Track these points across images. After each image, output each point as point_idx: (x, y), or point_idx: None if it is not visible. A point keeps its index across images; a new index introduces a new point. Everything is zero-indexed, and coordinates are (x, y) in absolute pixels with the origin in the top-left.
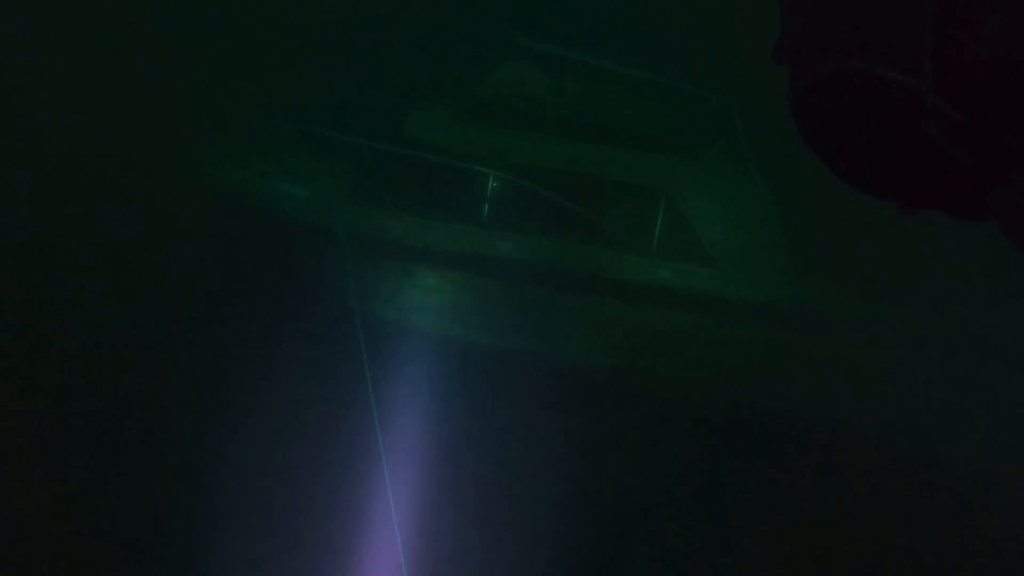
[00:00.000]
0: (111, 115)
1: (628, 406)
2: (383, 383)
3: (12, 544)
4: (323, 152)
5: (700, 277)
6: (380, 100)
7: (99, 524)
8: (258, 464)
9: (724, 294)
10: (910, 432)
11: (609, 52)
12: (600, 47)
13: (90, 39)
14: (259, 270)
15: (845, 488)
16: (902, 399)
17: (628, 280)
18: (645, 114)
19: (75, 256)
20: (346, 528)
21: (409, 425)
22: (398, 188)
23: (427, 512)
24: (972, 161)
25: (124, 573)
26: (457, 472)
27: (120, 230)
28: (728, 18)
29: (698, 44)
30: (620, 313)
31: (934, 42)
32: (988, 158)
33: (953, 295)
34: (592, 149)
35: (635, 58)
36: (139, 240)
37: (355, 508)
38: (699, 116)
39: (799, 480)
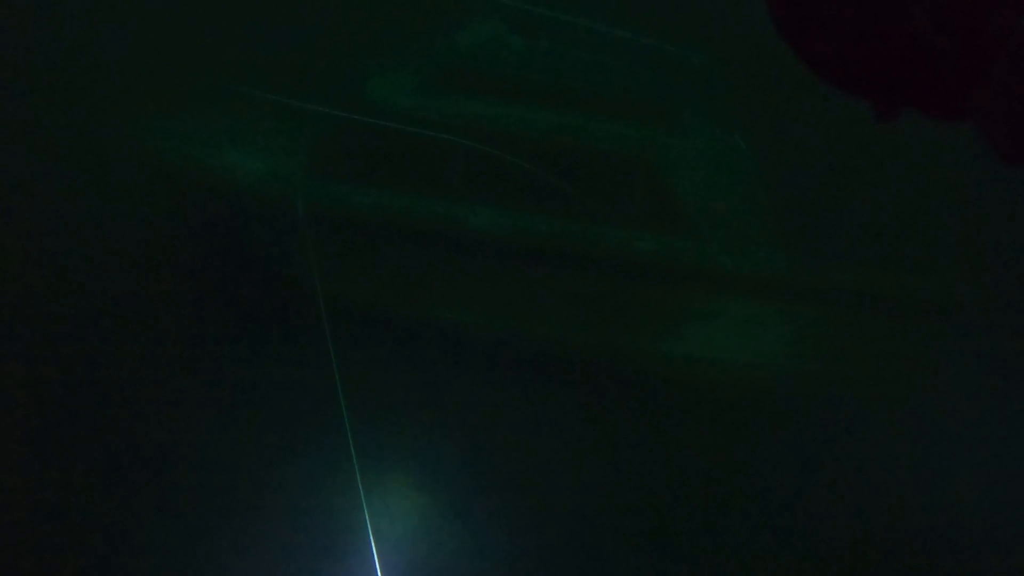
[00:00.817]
0: (48, 84)
1: (614, 388)
2: (350, 368)
3: None
4: (277, 120)
5: (682, 249)
6: (338, 63)
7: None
8: (213, 457)
9: (708, 266)
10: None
11: (586, 10)
12: (576, 4)
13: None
14: (212, 249)
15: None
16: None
17: (607, 253)
18: (624, 77)
19: (10, 239)
20: (313, 529)
21: (381, 413)
22: (360, 159)
23: (403, 508)
24: (956, 50)
25: None
26: (433, 464)
27: (60, 208)
28: None
29: (679, 3)
30: (600, 288)
31: None
32: (974, 48)
33: (944, 262)
34: (567, 115)
35: (613, 17)
36: (78, 218)
37: (323, 510)
38: (681, 79)
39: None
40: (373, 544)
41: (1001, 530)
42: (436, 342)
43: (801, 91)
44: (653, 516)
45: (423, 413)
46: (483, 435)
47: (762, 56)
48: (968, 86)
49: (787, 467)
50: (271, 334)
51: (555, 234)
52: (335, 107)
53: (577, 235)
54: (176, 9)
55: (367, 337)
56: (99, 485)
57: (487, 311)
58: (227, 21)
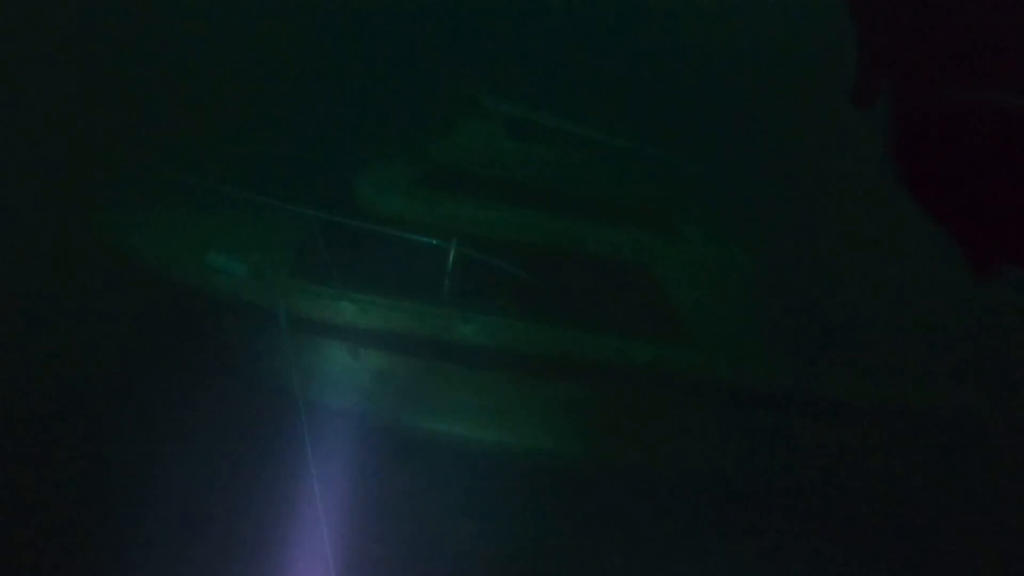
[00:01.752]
0: (17, 175)
1: (609, 501)
2: (329, 478)
3: None
4: (261, 222)
5: (678, 359)
6: (327, 163)
7: None
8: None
9: (704, 376)
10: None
11: (581, 117)
12: (572, 111)
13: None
14: (190, 354)
15: None
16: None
17: (602, 363)
18: (619, 184)
19: None
20: None
21: (358, 523)
22: (346, 263)
23: None
24: None
25: None
26: (411, 572)
27: (33, 309)
28: (706, 85)
29: (674, 111)
30: (593, 399)
31: None
32: None
33: (938, 372)
34: (562, 221)
35: (608, 124)
36: (52, 320)
37: None
38: (676, 186)
39: None
40: None
41: None
42: (423, 452)
43: (798, 202)
44: None
45: (403, 524)
46: (468, 547)
47: (760, 166)
48: None
49: None
50: (248, 442)
51: (549, 342)
52: (322, 208)
53: (571, 344)
54: (155, 100)
55: (347, 445)
56: None
57: (476, 421)
58: (207, 114)
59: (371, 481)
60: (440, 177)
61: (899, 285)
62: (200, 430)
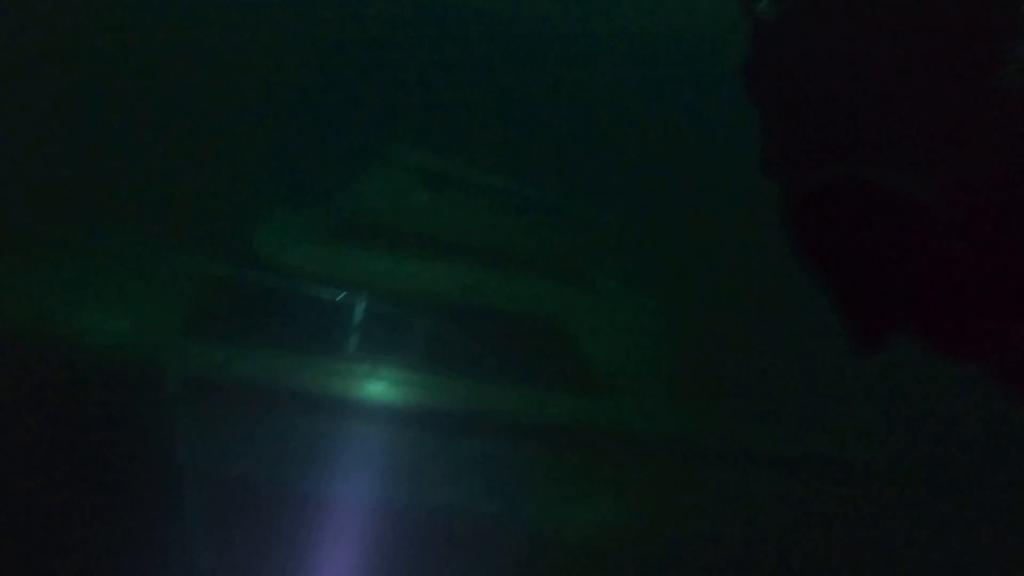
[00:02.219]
0: None
1: (524, 559)
2: (226, 552)
3: None
4: (149, 276)
5: (594, 412)
6: (226, 214)
7: None
8: None
9: (620, 428)
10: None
11: (493, 167)
12: (483, 161)
13: None
14: (65, 425)
15: None
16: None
17: (516, 418)
18: (530, 235)
19: None
20: None
21: None
22: (245, 319)
23: None
24: (980, 288)
25: None
26: None
27: None
28: (618, 135)
29: (586, 161)
30: (507, 455)
31: (953, 159)
32: (999, 284)
33: (854, 423)
34: (473, 274)
35: (520, 174)
36: None
37: None
38: (588, 237)
39: None
40: None
41: None
42: (330, 517)
43: (711, 249)
44: None
45: None
46: None
47: (672, 215)
48: (989, 329)
49: None
50: (132, 518)
51: (461, 399)
52: (216, 260)
53: (484, 399)
54: (29, 143)
55: (247, 517)
56: None
57: (387, 482)
58: (89, 158)
59: (274, 553)
60: (348, 228)
61: (811, 334)
62: (79, 506)
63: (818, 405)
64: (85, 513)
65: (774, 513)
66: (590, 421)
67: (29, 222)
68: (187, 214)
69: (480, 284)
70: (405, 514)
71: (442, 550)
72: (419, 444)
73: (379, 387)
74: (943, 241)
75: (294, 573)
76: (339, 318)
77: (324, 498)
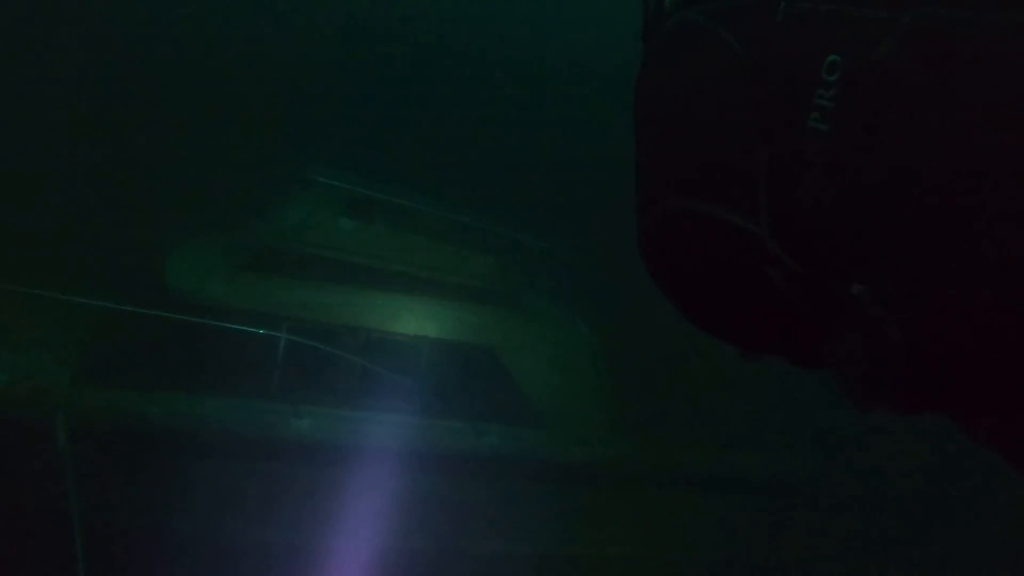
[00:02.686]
0: None
1: None
2: None
3: None
4: (40, 319)
5: (528, 441)
6: (128, 244)
7: None
8: None
9: (555, 457)
10: None
11: (421, 191)
12: (411, 185)
13: None
14: None
15: None
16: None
17: (449, 451)
18: (461, 261)
19: None
20: None
21: None
22: (151, 360)
23: None
24: (809, 308)
25: None
26: None
27: None
28: (550, 158)
29: (517, 186)
30: (441, 490)
31: (770, 191)
32: (823, 307)
33: (784, 442)
34: (402, 303)
35: (449, 199)
36: None
37: None
38: (520, 263)
39: None
40: None
41: None
42: (249, 563)
43: (642, 274)
44: None
45: None
46: None
47: (605, 241)
48: (822, 339)
49: None
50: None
51: (392, 433)
52: (118, 297)
53: (416, 433)
54: None
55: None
56: None
57: (312, 525)
58: None
59: None
60: (267, 258)
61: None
62: None
63: (753, 425)
64: None
65: (709, 533)
66: (526, 451)
67: None
68: (85, 246)
69: (409, 313)
70: (327, 556)
71: None
72: (348, 484)
73: (304, 425)
74: (770, 269)
75: None
76: (260, 354)
77: (238, 545)
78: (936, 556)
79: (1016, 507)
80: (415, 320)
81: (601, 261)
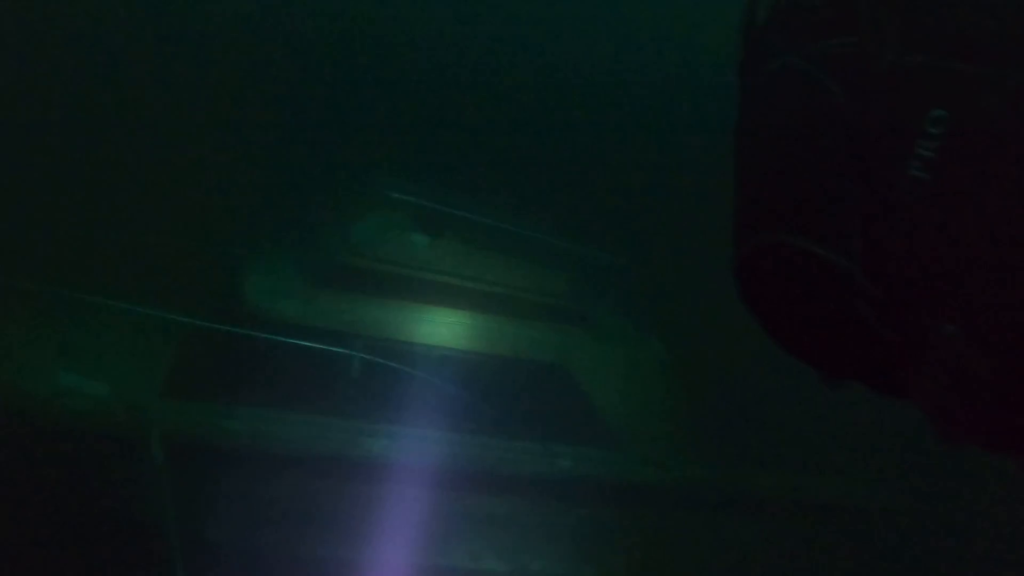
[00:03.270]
0: None
1: None
2: None
3: None
4: (130, 333)
5: (605, 462)
6: (207, 261)
7: None
8: None
9: (629, 480)
10: None
11: (494, 207)
12: (484, 201)
13: None
14: (43, 493)
15: None
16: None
17: (523, 471)
18: (533, 278)
19: None
20: None
21: None
22: (232, 376)
23: None
24: (896, 339)
25: None
26: None
27: None
28: (624, 175)
29: (591, 201)
30: (516, 512)
31: (863, 225)
32: (910, 338)
33: (862, 469)
34: (474, 320)
35: (522, 214)
36: None
37: None
38: (593, 280)
39: None
40: None
41: None
42: None
43: (720, 293)
44: None
45: None
46: None
47: (680, 258)
48: (908, 369)
49: None
50: None
51: (465, 453)
52: (202, 316)
53: (490, 453)
54: None
55: None
56: None
57: (388, 544)
58: (61, 208)
59: None
60: (341, 275)
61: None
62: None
63: (828, 451)
64: None
65: (786, 560)
66: (600, 472)
67: None
68: (168, 266)
69: (482, 331)
70: (399, 574)
71: None
72: (421, 503)
73: (378, 445)
74: (859, 302)
75: None
76: (334, 372)
77: (324, 562)
78: None
79: None
80: (487, 338)
81: (675, 277)
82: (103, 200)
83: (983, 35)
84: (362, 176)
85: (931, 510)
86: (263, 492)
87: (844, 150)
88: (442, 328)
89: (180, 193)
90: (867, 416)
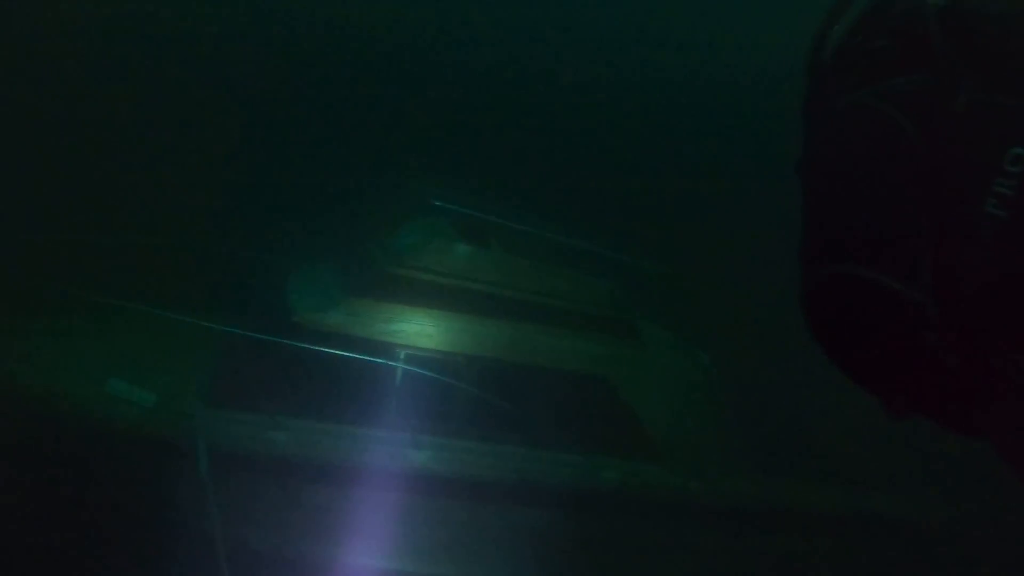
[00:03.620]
0: None
1: None
2: None
3: None
4: (174, 342)
5: (650, 476)
6: (251, 270)
7: None
8: None
9: (677, 493)
10: None
11: (537, 217)
12: (527, 211)
13: None
14: (89, 500)
15: None
16: None
17: (567, 485)
18: (577, 288)
19: None
20: None
21: None
22: (276, 386)
23: None
24: (966, 374)
25: None
26: None
27: None
28: (668, 184)
29: (634, 210)
30: (560, 525)
31: (936, 264)
32: (981, 373)
33: (911, 485)
34: (518, 331)
35: (565, 224)
36: None
37: None
38: (637, 290)
39: None
40: None
41: None
42: None
43: (764, 303)
44: None
45: None
46: None
47: (724, 267)
48: (978, 404)
49: None
50: None
51: (508, 466)
52: (246, 326)
53: (533, 466)
54: (41, 208)
55: None
56: None
57: (432, 557)
58: (109, 221)
59: None
60: (384, 285)
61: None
62: None
63: (876, 464)
64: None
65: (837, 575)
66: (645, 486)
67: (47, 291)
68: (213, 276)
69: (525, 341)
70: None
71: None
72: (464, 515)
73: (421, 456)
74: (929, 335)
75: None
76: (377, 383)
77: (368, 573)
78: None
79: None
80: (530, 349)
81: (721, 287)
82: (148, 209)
83: None
84: (405, 185)
85: (982, 528)
86: (307, 502)
87: (916, 185)
88: (484, 339)
89: (224, 202)
90: (918, 433)
